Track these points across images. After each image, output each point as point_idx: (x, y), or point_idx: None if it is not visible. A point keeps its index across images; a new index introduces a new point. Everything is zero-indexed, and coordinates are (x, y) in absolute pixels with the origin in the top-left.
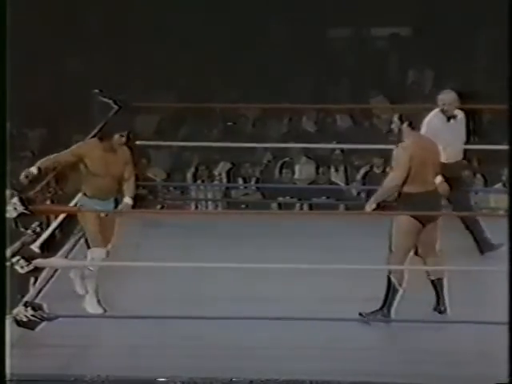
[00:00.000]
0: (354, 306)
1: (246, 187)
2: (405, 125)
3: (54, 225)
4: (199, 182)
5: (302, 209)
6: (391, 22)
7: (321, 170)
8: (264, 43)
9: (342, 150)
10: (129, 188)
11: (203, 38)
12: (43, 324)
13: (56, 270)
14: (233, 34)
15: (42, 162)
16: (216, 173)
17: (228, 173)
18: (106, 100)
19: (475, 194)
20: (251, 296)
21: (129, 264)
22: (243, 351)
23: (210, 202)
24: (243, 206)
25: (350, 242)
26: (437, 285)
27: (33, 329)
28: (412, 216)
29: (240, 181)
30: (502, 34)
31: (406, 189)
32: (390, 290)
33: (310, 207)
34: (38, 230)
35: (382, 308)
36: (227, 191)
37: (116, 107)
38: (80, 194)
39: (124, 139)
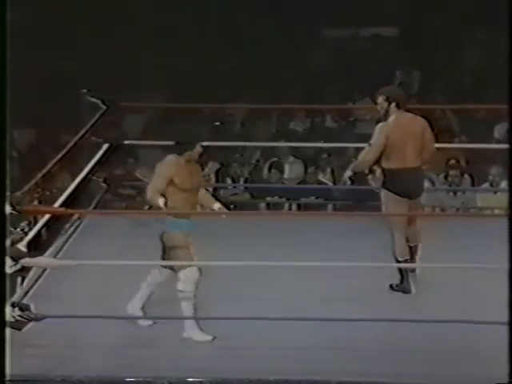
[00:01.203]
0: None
1: (234, 187)
2: (392, 105)
3: (39, 224)
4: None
5: (290, 209)
6: (378, 22)
7: (309, 169)
8: (252, 43)
9: (329, 154)
10: (208, 195)
11: (192, 38)
12: (30, 324)
13: (44, 270)
14: (222, 33)
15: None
16: (205, 173)
17: (217, 173)
18: (94, 100)
19: (463, 194)
20: (237, 296)
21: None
22: (230, 351)
23: None
24: (232, 205)
25: (338, 241)
26: (413, 249)
27: (20, 329)
28: (397, 193)
29: (229, 181)
30: (489, 33)
31: (385, 164)
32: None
33: (299, 207)
34: (27, 229)
35: (401, 282)
36: (216, 191)
37: (104, 107)
38: (167, 220)
39: (201, 149)
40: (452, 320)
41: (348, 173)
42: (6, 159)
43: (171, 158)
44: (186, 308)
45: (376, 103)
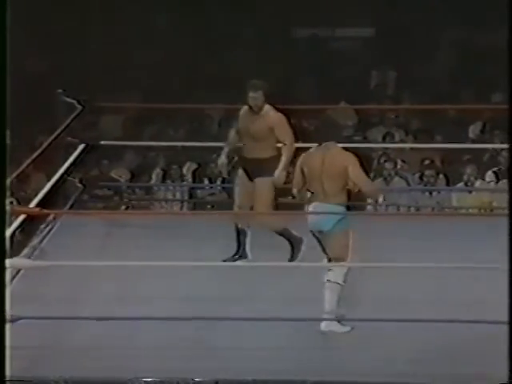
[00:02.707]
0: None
1: (211, 187)
2: None
3: (14, 225)
4: (169, 181)
5: None
6: (354, 22)
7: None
8: (228, 43)
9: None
10: None
11: (169, 38)
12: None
13: (19, 271)
14: (198, 33)
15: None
16: (183, 173)
17: (194, 173)
18: (69, 100)
19: (438, 193)
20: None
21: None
22: (210, 351)
23: (175, 202)
24: (209, 206)
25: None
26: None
27: None
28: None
29: (206, 181)
30: (466, 33)
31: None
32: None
33: (277, 206)
34: None
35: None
36: (193, 191)
37: (80, 107)
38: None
39: None
40: (452, 320)
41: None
42: (5, 159)
43: (309, 151)
44: (331, 299)
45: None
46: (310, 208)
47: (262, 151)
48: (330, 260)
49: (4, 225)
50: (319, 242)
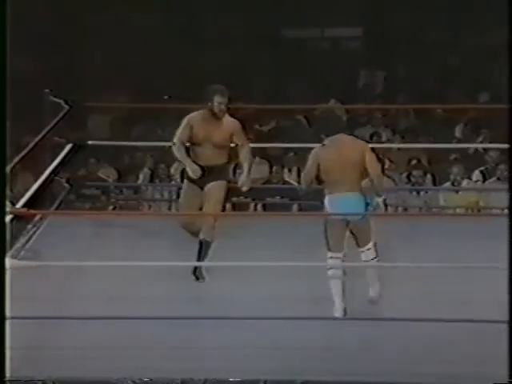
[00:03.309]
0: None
1: None
2: None
3: None
4: (157, 181)
5: (256, 209)
6: (343, 22)
7: (274, 168)
8: (217, 42)
9: (296, 152)
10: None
11: (157, 37)
12: None
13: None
14: (186, 32)
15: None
16: (171, 173)
17: (182, 173)
18: (56, 100)
19: (425, 193)
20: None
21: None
22: (198, 351)
23: (163, 202)
24: None
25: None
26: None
27: None
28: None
29: None
30: (451, 33)
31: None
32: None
33: (264, 207)
34: None
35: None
36: (180, 191)
37: (67, 107)
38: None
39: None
40: (451, 319)
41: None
42: (5, 159)
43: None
44: (374, 275)
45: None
46: (336, 199)
47: (220, 158)
48: (358, 245)
49: (4, 225)
50: (350, 231)
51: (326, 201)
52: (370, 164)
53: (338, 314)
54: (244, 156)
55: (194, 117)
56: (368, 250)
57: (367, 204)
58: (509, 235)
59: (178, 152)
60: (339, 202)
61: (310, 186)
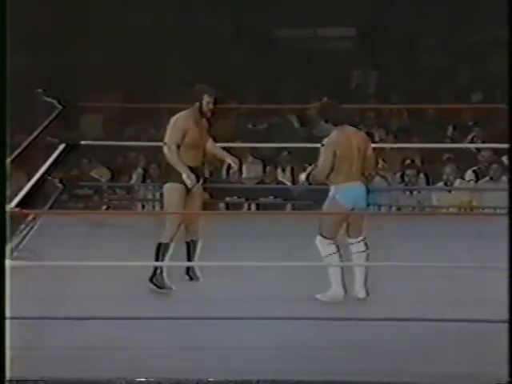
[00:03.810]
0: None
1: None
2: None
3: None
4: (148, 181)
5: (249, 209)
6: (336, 22)
7: (267, 168)
8: (210, 42)
9: (290, 151)
10: None
11: (150, 38)
12: None
13: None
14: (180, 33)
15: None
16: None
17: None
18: (49, 100)
19: (419, 193)
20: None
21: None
22: (188, 351)
23: (156, 202)
24: None
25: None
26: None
27: None
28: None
29: None
30: (444, 34)
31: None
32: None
33: (258, 207)
34: None
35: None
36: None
37: (60, 107)
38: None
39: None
40: (451, 319)
41: (303, 176)
42: (5, 160)
43: (338, 133)
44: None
45: None
46: (350, 188)
47: (201, 158)
48: (349, 236)
49: (4, 225)
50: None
51: (338, 191)
52: (371, 156)
53: (340, 295)
54: (218, 148)
55: (186, 118)
56: (359, 242)
57: (368, 192)
58: (509, 235)
59: (173, 156)
60: (353, 191)
61: (326, 179)
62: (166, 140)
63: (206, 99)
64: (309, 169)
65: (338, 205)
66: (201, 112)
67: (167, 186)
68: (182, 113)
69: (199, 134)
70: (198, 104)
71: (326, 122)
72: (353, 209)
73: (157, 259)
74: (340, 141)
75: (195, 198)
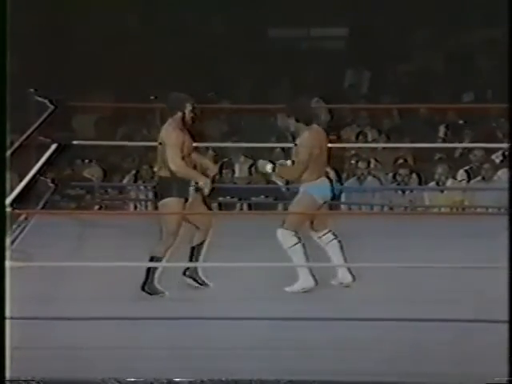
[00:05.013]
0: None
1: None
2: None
3: None
4: (139, 182)
5: (242, 209)
6: (329, 22)
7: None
8: (204, 42)
9: (283, 149)
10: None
11: (142, 37)
12: None
13: None
14: (173, 32)
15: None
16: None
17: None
18: (41, 99)
19: (411, 192)
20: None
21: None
22: (184, 352)
23: (148, 202)
24: None
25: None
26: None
27: None
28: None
29: None
30: (436, 34)
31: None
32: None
33: (250, 206)
34: None
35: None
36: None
37: (52, 107)
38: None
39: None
40: (450, 319)
41: (269, 167)
42: (5, 160)
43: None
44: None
45: None
46: (320, 183)
47: (192, 164)
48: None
49: (4, 225)
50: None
51: (311, 187)
52: (330, 152)
53: (310, 284)
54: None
55: (178, 131)
56: (325, 234)
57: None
58: (509, 235)
59: (185, 169)
60: (323, 186)
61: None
62: (170, 160)
63: (189, 108)
64: (278, 162)
65: (311, 200)
66: (183, 121)
67: (163, 202)
68: (169, 128)
69: (189, 142)
70: (180, 114)
71: (297, 121)
72: (325, 202)
73: (148, 272)
74: (313, 142)
75: (197, 200)
